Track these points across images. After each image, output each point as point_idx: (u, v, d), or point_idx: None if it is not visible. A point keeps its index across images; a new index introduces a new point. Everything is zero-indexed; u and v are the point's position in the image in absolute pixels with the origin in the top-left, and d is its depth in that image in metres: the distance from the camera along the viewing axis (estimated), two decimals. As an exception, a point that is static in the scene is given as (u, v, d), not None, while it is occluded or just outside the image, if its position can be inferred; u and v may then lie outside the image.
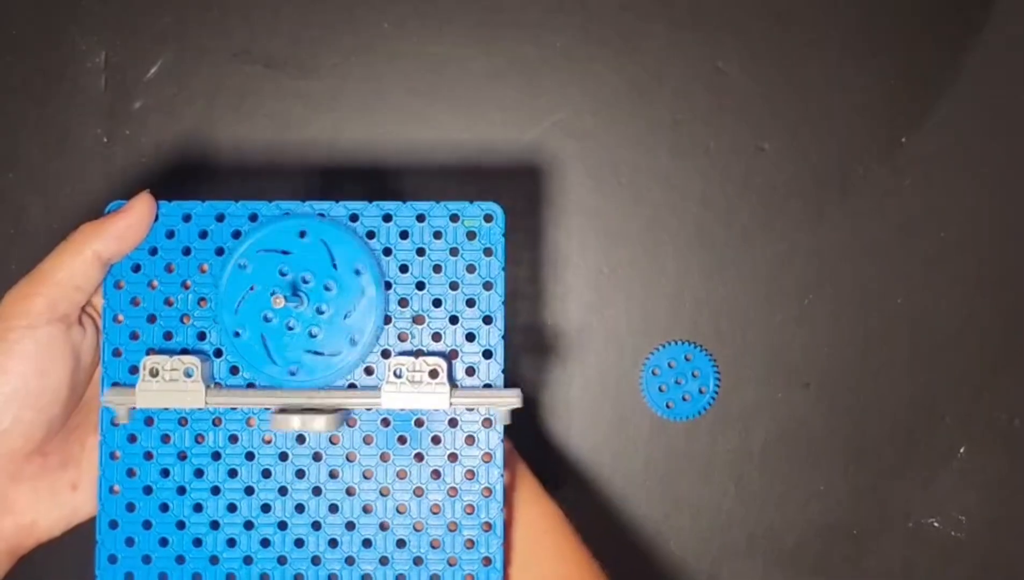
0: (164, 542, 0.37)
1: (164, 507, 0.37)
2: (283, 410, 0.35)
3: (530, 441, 0.53)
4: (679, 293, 0.53)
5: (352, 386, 0.37)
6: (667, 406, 0.53)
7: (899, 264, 0.53)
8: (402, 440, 0.37)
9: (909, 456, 0.53)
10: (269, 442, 0.37)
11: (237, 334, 0.36)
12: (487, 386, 0.37)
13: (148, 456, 0.37)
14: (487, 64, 0.54)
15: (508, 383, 0.37)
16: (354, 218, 0.37)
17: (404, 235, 0.37)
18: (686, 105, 0.54)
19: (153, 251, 0.37)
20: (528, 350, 0.53)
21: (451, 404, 0.36)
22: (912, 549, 0.53)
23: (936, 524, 0.53)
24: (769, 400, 0.53)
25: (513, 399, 0.36)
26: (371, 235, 0.37)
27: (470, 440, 0.37)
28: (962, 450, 0.53)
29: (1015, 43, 0.54)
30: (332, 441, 0.37)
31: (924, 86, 0.54)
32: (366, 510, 0.37)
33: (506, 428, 0.37)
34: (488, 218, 0.37)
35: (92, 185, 0.54)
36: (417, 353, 0.37)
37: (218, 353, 0.37)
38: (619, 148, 0.54)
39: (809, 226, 0.54)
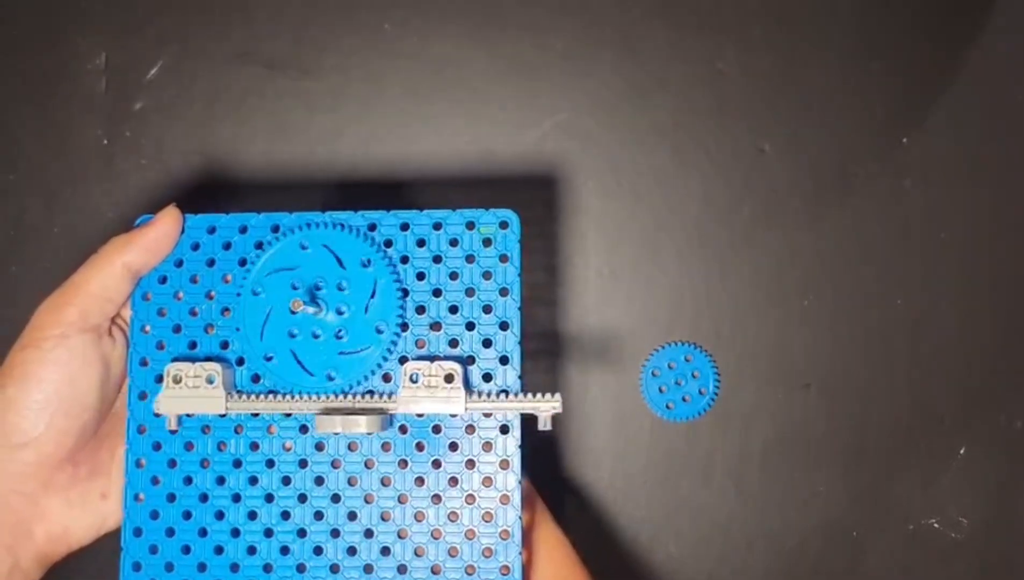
0: (187, 549, 0.37)
1: (187, 514, 0.37)
2: (327, 412, 0.36)
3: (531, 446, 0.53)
4: (679, 294, 0.53)
5: (370, 392, 0.37)
6: (667, 407, 0.53)
7: (899, 265, 0.53)
8: (420, 447, 0.37)
9: (909, 457, 0.53)
10: (289, 449, 0.37)
11: (269, 359, 0.37)
12: (504, 392, 0.37)
13: (172, 464, 0.37)
14: (487, 65, 0.54)
15: (524, 388, 0.37)
16: (372, 228, 0.38)
17: (421, 243, 0.38)
18: (687, 106, 0.54)
19: (179, 263, 0.38)
20: (532, 355, 0.53)
21: (467, 409, 0.36)
22: (912, 550, 0.53)
23: (936, 525, 0.53)
24: (769, 401, 0.53)
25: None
26: (388, 243, 0.38)
27: (487, 446, 0.37)
28: (962, 451, 0.53)
29: (1015, 43, 0.54)
30: (350, 448, 0.37)
31: (924, 86, 0.54)
32: (384, 518, 0.37)
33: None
34: (504, 225, 0.37)
35: (92, 186, 0.54)
36: (433, 358, 0.37)
37: (240, 361, 0.38)
38: (620, 149, 0.54)
39: (809, 227, 0.54)
